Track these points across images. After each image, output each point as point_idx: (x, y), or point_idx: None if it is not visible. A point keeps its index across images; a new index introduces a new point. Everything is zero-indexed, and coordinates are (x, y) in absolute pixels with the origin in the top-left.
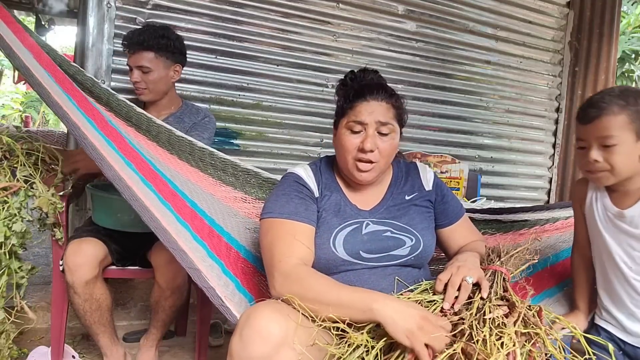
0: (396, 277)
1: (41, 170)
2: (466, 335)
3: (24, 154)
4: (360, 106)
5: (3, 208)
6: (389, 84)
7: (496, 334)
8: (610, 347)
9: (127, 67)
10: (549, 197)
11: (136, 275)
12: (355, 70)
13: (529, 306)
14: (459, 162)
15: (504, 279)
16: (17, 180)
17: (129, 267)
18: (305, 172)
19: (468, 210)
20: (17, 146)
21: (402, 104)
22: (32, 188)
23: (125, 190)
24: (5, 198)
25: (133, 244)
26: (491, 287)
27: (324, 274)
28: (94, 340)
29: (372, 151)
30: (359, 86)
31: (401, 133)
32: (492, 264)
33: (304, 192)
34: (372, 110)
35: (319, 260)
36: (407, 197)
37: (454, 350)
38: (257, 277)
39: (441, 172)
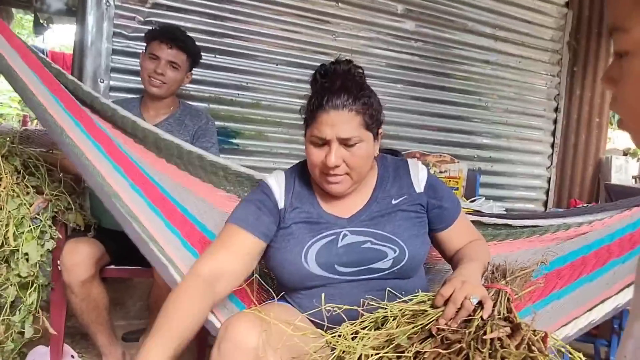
0: (388, 289)
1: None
2: (463, 354)
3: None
4: (321, 118)
5: (37, 226)
6: (389, 82)
7: (497, 356)
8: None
9: (131, 67)
10: (547, 197)
11: (135, 274)
12: (326, 64)
13: (534, 331)
14: (458, 162)
15: (508, 299)
16: (45, 195)
17: (127, 267)
18: (276, 180)
19: (477, 214)
20: (41, 160)
21: (372, 104)
22: (59, 201)
23: (106, 199)
24: (37, 215)
25: (132, 243)
26: (494, 306)
27: (190, 306)
28: (92, 339)
29: (337, 166)
30: (320, 91)
31: (378, 134)
32: (497, 282)
33: (264, 202)
34: (333, 123)
35: (290, 276)
36: (393, 202)
37: None
38: (251, 285)
39: (440, 172)
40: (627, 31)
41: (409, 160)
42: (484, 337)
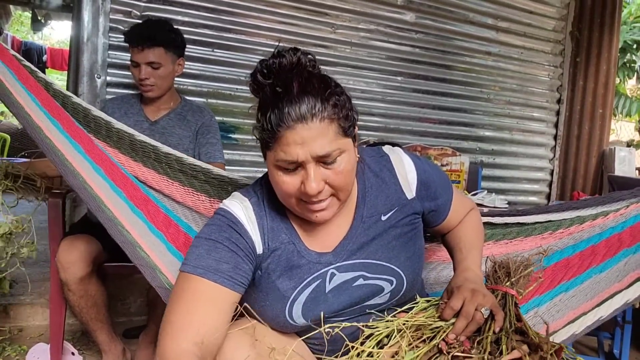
0: (388, 309)
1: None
2: None
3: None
4: (285, 137)
5: None
6: (389, 74)
7: None
8: None
9: (128, 62)
10: (550, 189)
11: (134, 271)
12: (267, 59)
13: (548, 343)
14: (460, 155)
15: (515, 304)
16: None
17: (127, 263)
18: (245, 212)
19: (486, 215)
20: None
21: (343, 102)
22: None
23: (90, 201)
24: None
25: None
26: (505, 316)
27: None
28: (92, 336)
29: (319, 192)
30: (274, 101)
31: (355, 135)
32: (500, 282)
33: (238, 243)
34: (303, 141)
35: (272, 326)
36: (383, 218)
37: None
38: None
39: (442, 165)
40: None
41: (390, 157)
42: (502, 359)
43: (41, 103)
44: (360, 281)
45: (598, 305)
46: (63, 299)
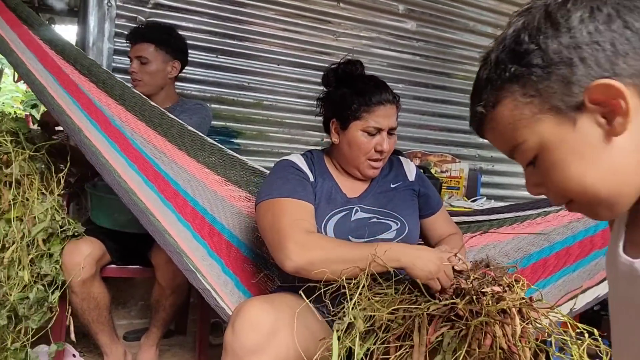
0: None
1: None
2: (465, 299)
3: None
4: (379, 111)
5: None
6: (390, 82)
7: (495, 300)
8: (596, 331)
9: (128, 65)
10: None
11: (136, 274)
12: (342, 64)
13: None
14: (459, 162)
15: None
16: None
17: (128, 266)
18: (298, 159)
19: (460, 214)
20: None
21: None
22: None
23: (124, 195)
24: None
25: (133, 243)
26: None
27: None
28: (93, 339)
29: (386, 151)
30: (365, 90)
31: None
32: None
33: (300, 175)
34: (387, 115)
35: None
36: (392, 186)
37: (458, 308)
38: (257, 276)
39: (441, 172)
40: (524, 143)
41: (400, 157)
42: (483, 290)
43: (82, 107)
44: (374, 220)
45: (571, 299)
46: (65, 300)
